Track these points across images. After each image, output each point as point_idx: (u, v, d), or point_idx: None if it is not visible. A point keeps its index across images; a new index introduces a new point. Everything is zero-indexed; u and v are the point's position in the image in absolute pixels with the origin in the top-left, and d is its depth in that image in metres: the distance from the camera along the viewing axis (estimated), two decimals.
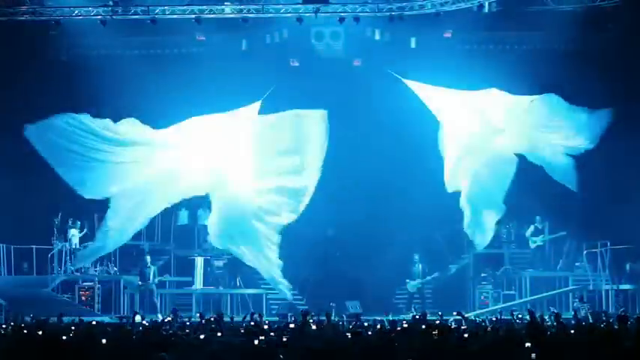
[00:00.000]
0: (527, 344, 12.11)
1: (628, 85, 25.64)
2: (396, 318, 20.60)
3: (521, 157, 25.01)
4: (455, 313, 19.36)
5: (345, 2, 25.30)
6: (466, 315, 20.03)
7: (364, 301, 24.32)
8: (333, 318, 18.80)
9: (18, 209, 25.84)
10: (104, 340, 13.18)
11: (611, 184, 25.46)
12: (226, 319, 19.03)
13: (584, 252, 25.01)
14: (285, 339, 13.50)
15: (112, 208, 24.00)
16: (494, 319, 18.96)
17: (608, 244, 24.35)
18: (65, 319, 18.44)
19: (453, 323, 17.98)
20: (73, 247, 25.65)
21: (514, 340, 12.54)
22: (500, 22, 25.85)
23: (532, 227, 26.25)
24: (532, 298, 25.02)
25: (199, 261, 26.19)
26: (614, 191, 25.30)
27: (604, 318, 19.53)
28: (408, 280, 26.16)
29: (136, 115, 25.40)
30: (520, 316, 19.14)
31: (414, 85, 25.40)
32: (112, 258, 25.95)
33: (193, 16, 25.46)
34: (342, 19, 25.41)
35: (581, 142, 24.77)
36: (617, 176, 25.45)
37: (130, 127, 24.12)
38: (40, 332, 14.41)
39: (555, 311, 20.24)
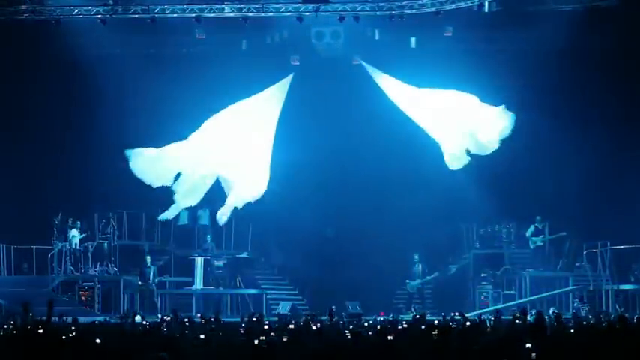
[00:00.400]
0: (528, 345, 12.10)
1: (627, 84, 25.64)
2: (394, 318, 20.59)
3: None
4: (457, 314, 19.34)
5: (345, 1, 25.29)
6: (466, 315, 20.01)
7: (364, 301, 24.29)
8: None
9: (18, 209, 25.83)
10: (104, 340, 13.17)
11: (611, 184, 25.46)
12: (225, 319, 19.02)
13: (584, 252, 24.96)
14: (285, 339, 13.49)
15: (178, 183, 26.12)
16: (493, 318, 18.91)
17: (608, 244, 24.29)
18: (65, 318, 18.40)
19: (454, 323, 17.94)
20: (74, 247, 25.63)
21: (514, 340, 12.53)
22: (500, 22, 25.81)
23: (532, 227, 26.21)
24: (532, 298, 25.00)
25: (199, 261, 26.17)
26: (614, 191, 25.30)
27: (604, 318, 19.50)
28: (408, 281, 26.14)
29: (135, 113, 25.53)
30: (518, 315, 19.10)
31: (385, 81, 25.82)
32: (112, 258, 25.97)
33: (193, 15, 25.47)
34: (342, 18, 25.41)
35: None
36: (618, 176, 25.47)
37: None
38: (40, 332, 14.38)
39: (556, 311, 20.24)
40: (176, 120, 26.13)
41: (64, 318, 17.98)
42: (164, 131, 26.10)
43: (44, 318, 15.14)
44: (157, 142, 25.94)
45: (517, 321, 16.41)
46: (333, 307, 20.75)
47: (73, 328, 15.68)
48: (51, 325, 14.86)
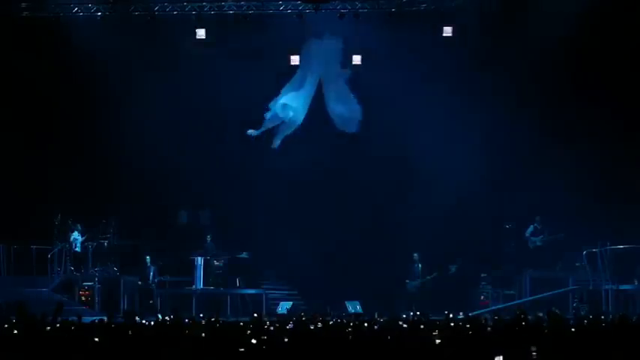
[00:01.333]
0: (528, 344, 12.10)
1: (628, 84, 25.65)
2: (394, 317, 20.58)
3: None
4: (461, 314, 19.35)
5: None
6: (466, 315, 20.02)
7: (364, 301, 24.29)
8: (332, 318, 18.80)
9: (18, 209, 25.82)
10: (104, 340, 13.16)
11: (611, 184, 25.46)
12: (225, 319, 19.03)
13: (584, 252, 24.94)
14: (286, 339, 13.48)
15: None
16: (496, 317, 18.92)
17: (608, 244, 24.29)
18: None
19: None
20: (74, 249, 25.61)
21: (515, 339, 12.53)
22: (500, 22, 25.80)
23: (532, 227, 26.21)
24: (532, 298, 24.99)
25: (199, 261, 26.16)
26: (613, 191, 25.31)
27: (603, 318, 19.48)
28: (407, 281, 26.15)
29: (134, 111, 25.56)
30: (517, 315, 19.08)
31: None
32: (112, 258, 25.96)
33: (193, 12, 25.49)
34: (342, 16, 25.46)
35: None
36: (619, 176, 25.48)
37: None
38: (40, 332, 14.38)
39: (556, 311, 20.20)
40: (175, 119, 26.14)
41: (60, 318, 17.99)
42: (164, 129, 26.13)
43: (47, 318, 15.15)
44: (157, 139, 25.97)
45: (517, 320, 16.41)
46: (329, 309, 20.81)
47: (72, 327, 15.68)
48: (53, 326, 14.88)
